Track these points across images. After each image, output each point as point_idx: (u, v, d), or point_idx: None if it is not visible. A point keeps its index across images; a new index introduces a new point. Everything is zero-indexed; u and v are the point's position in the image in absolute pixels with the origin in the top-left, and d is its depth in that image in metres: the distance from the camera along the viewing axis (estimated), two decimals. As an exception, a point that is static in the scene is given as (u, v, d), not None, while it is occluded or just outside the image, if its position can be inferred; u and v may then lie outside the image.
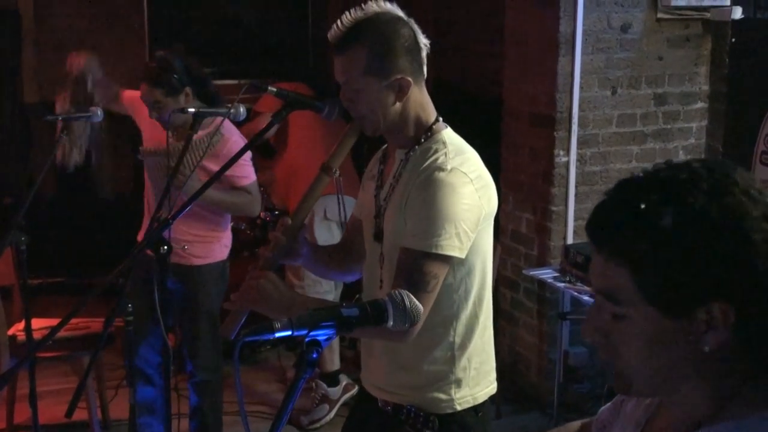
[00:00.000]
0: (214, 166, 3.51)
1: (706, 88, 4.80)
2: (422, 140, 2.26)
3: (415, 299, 1.64)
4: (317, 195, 2.32)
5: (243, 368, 5.15)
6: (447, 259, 2.15)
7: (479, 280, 2.29)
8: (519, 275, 4.84)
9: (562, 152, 4.56)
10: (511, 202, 4.88)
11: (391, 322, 1.59)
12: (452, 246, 2.13)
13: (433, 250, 2.12)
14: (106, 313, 3.04)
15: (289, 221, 2.29)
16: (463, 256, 2.17)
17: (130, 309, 2.96)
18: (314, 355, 1.44)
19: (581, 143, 4.58)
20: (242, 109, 3.19)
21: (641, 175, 1.25)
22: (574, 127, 4.53)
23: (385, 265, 2.29)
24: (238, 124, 3.85)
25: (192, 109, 3.20)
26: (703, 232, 1.15)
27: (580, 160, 4.60)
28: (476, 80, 6.19)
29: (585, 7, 4.41)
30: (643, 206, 1.18)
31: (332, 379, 4.75)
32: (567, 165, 4.57)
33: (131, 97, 4.03)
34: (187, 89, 3.71)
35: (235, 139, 3.78)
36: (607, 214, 1.23)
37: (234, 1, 6.96)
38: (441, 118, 2.30)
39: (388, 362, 2.34)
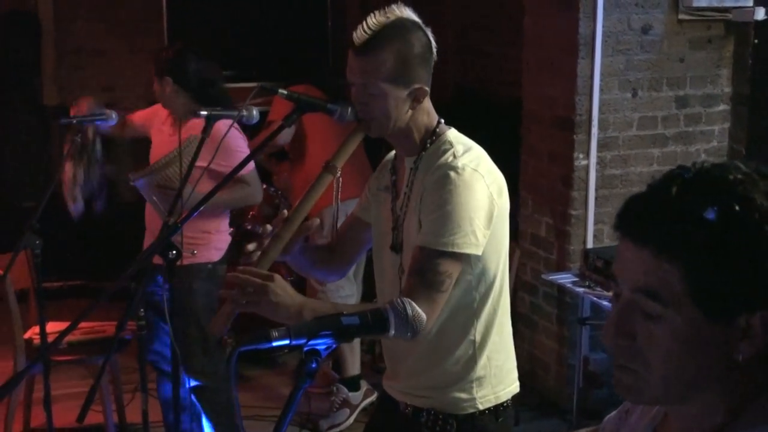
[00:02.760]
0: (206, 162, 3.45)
1: (728, 90, 4.74)
2: (428, 144, 2.26)
3: (417, 308, 1.61)
4: (319, 193, 2.28)
5: (263, 371, 5.18)
6: (462, 257, 2.14)
7: (498, 276, 2.27)
8: (538, 279, 4.79)
9: (581, 155, 4.50)
10: (531, 206, 4.83)
11: (392, 332, 1.56)
12: (468, 244, 2.12)
13: (449, 249, 2.11)
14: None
15: (285, 213, 2.24)
16: (479, 252, 2.16)
17: (143, 313, 2.94)
18: (313, 365, 1.41)
19: (601, 146, 4.53)
20: (255, 112, 3.15)
21: (688, 170, 1.17)
22: (594, 130, 4.48)
23: (405, 276, 2.26)
24: (251, 128, 3.80)
25: (204, 112, 3.18)
26: (766, 237, 1.10)
27: (600, 163, 4.54)
28: (495, 84, 6.15)
29: (605, 8, 4.35)
30: (700, 204, 1.11)
31: (353, 384, 4.72)
32: (587, 168, 4.52)
33: (142, 116, 4.07)
34: (167, 78, 3.74)
35: (231, 132, 3.70)
36: (657, 208, 1.15)
37: (253, 4, 6.95)
38: (443, 120, 2.30)
39: (412, 365, 2.33)
